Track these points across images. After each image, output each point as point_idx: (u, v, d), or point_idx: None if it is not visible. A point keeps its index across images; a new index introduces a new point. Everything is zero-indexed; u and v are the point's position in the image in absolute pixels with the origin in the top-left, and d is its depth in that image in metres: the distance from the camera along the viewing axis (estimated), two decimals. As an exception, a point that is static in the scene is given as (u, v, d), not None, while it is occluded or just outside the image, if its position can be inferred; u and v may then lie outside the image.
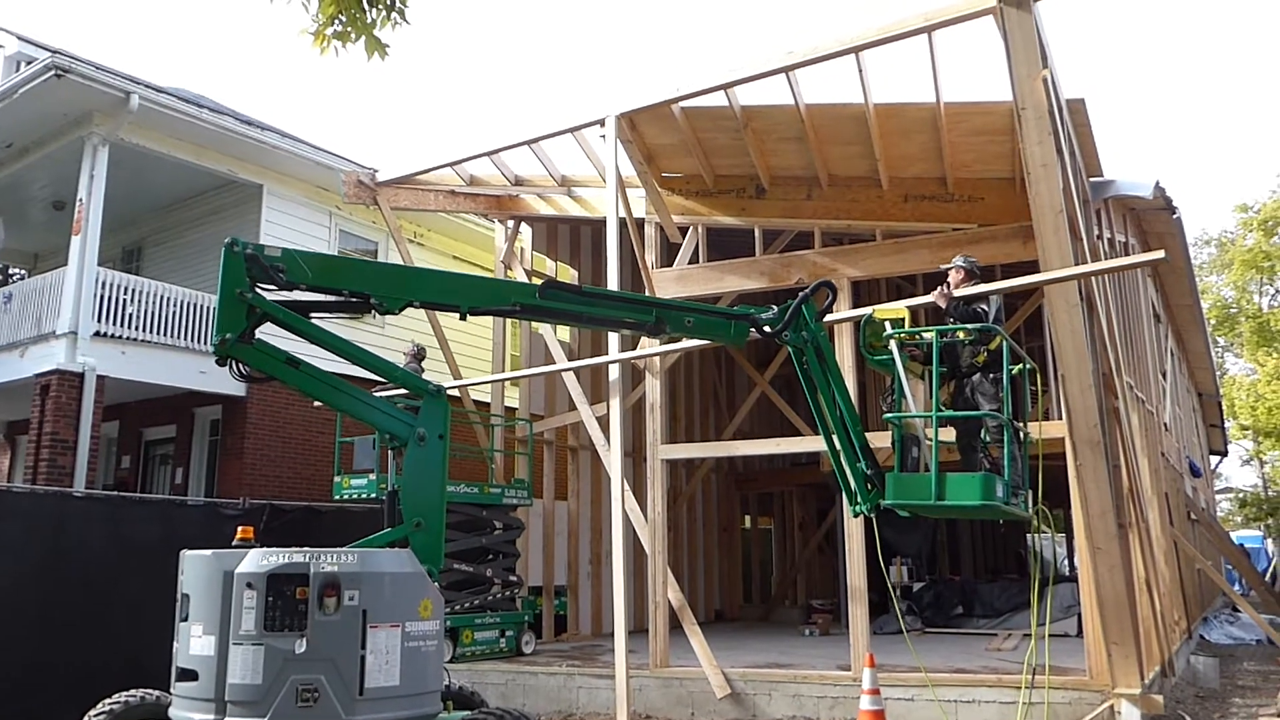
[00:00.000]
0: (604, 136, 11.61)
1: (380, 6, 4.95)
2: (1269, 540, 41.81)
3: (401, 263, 14.96)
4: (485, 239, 17.87)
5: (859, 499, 6.79)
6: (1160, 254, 8.37)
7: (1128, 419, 11.05)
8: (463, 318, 6.09)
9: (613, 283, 11.47)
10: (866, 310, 7.19)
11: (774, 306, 6.65)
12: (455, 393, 15.04)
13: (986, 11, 8.09)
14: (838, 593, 16.37)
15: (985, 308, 7.40)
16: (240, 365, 5.54)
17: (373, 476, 12.34)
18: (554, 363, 14.39)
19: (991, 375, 7.01)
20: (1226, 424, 35.55)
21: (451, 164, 13.37)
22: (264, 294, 5.51)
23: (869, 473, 6.71)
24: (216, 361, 5.54)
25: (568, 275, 17.18)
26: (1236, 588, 26.99)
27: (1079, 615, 11.21)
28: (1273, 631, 15.67)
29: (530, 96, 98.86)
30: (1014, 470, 6.78)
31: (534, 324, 15.56)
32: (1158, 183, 11.93)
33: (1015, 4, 7.71)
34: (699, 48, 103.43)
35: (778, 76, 10.08)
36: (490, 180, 14.33)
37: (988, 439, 6.97)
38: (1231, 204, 52.25)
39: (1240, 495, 47.32)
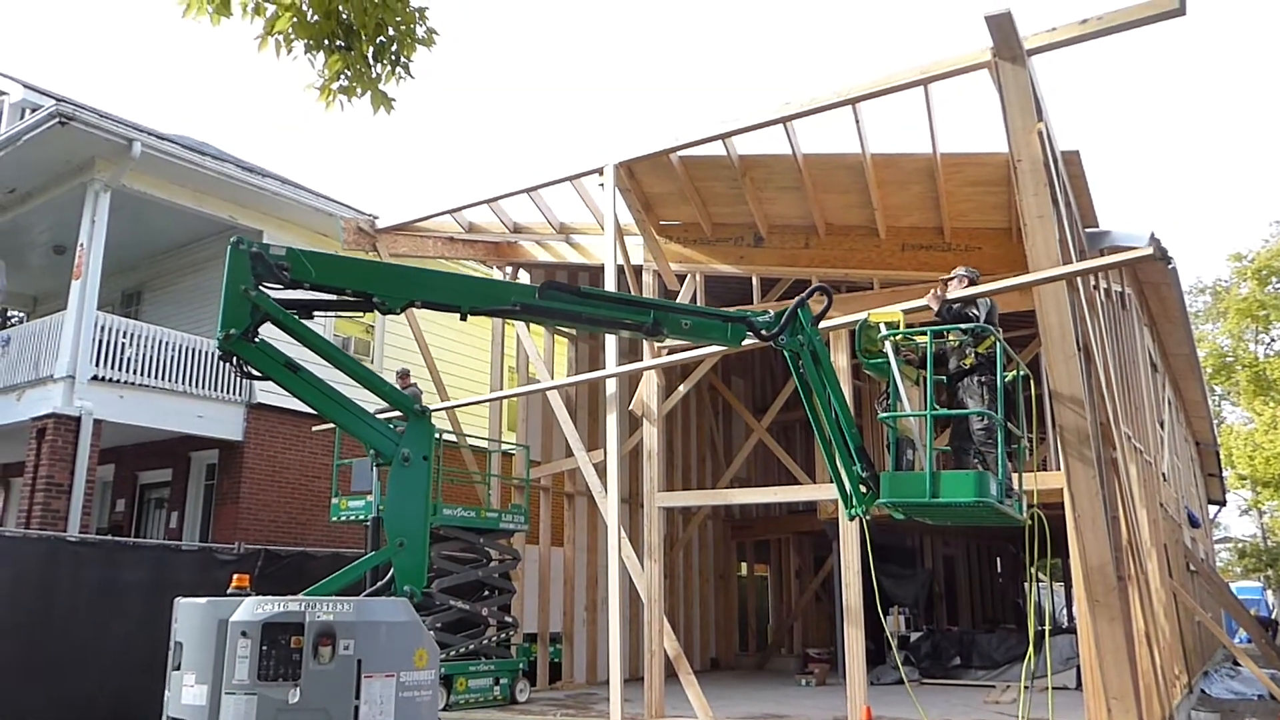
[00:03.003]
0: (603, 185, 11.72)
1: (385, 62, 5.02)
2: (1269, 592, 41.55)
3: (400, 308, 15.01)
4: (484, 284, 17.93)
5: (854, 501, 6.81)
6: (1147, 249, 8.36)
7: (1126, 470, 11.02)
8: (463, 318, 6.08)
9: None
10: (862, 315, 7.24)
11: (770, 311, 6.69)
12: (448, 423, 15.01)
13: (981, 65, 8.21)
14: (834, 642, 16.24)
15: (975, 311, 7.47)
16: (243, 363, 5.57)
17: (370, 498, 12.30)
18: (552, 409, 14.35)
19: (980, 378, 7.07)
20: (1224, 473, 35.47)
21: (451, 211, 13.48)
22: (267, 293, 5.55)
23: (864, 475, 6.74)
24: (221, 357, 5.57)
25: (566, 321, 17.19)
26: (1237, 640, 26.77)
27: (1078, 668, 11.12)
28: (1274, 687, 15.50)
29: (530, 145, 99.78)
30: (1006, 471, 6.84)
31: (531, 368, 15.57)
32: (1153, 234, 12.01)
33: (1010, 58, 7.83)
34: (697, 98, 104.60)
35: (775, 127, 10.20)
36: (489, 227, 14.43)
37: (978, 442, 7.01)
38: (1225, 252, 52.67)
39: (1239, 545, 47.10)
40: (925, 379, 6.89)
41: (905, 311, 7.36)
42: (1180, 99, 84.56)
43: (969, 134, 13.55)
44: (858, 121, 9.90)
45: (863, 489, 6.76)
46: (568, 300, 6.20)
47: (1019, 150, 8.06)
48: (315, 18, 5.02)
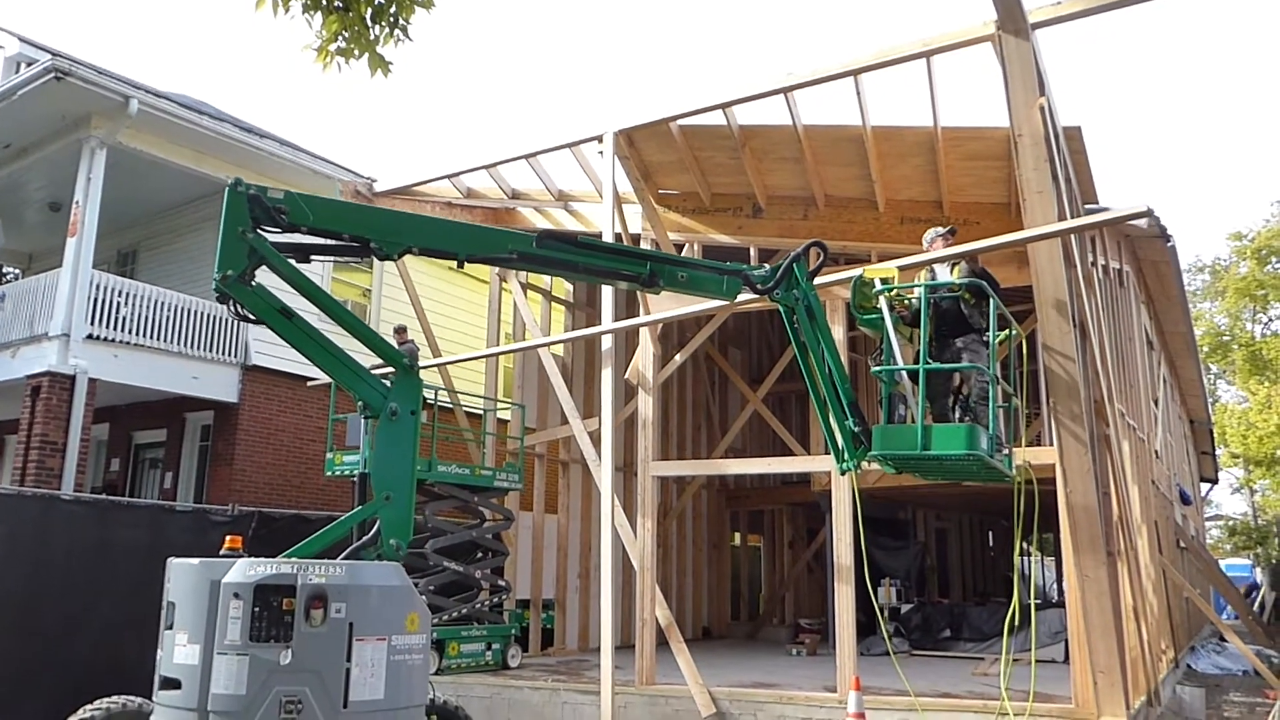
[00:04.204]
0: (602, 153, 11.65)
1: (384, 24, 4.97)
2: (1257, 569, 41.85)
3: (398, 272, 15.01)
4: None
5: (847, 455, 6.86)
6: (1143, 207, 8.30)
7: (1119, 446, 11.07)
8: (460, 265, 6.08)
9: (606, 297, 11.53)
10: (857, 271, 7.28)
11: (766, 265, 6.69)
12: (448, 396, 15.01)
13: (985, 38, 8.14)
14: (826, 612, 16.36)
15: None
16: (238, 305, 5.58)
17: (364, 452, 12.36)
18: (548, 377, 14.35)
19: (984, 338, 7.17)
20: (1217, 451, 35.64)
21: (449, 176, 13.42)
22: (265, 236, 5.56)
23: (856, 430, 6.79)
24: (217, 299, 5.58)
25: (562, 290, 17.22)
26: (1224, 616, 27.00)
27: (1066, 641, 11.22)
28: (1259, 662, 15.68)
29: (529, 111, 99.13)
30: (998, 427, 6.95)
31: (527, 335, 15.57)
32: (1151, 211, 11.98)
33: (1014, 32, 7.76)
34: (698, 67, 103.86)
35: (776, 97, 10.14)
36: (487, 193, 14.37)
37: (973, 397, 7.09)
38: (1225, 230, 52.65)
39: (1230, 523, 47.39)
40: (918, 336, 6.95)
41: (900, 269, 7.38)
42: (1182, 76, 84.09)
43: (970, 108, 13.49)
44: (859, 93, 9.84)
45: (855, 443, 6.82)
46: (565, 250, 6.19)
47: (1020, 125, 8.01)
48: (314, -23, 4.97)
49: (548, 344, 13.96)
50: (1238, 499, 48.08)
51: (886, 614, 16.30)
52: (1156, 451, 16.92)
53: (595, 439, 12.25)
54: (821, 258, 6.81)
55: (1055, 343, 8.48)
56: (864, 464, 7.04)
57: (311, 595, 5.00)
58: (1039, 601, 21.69)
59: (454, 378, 15.44)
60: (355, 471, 12.50)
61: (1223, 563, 36.35)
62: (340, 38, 5.04)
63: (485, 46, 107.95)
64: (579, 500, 16.66)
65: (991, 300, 7.15)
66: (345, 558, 5.53)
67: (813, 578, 21.42)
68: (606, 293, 11.67)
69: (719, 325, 14.34)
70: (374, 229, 5.79)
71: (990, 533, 27.62)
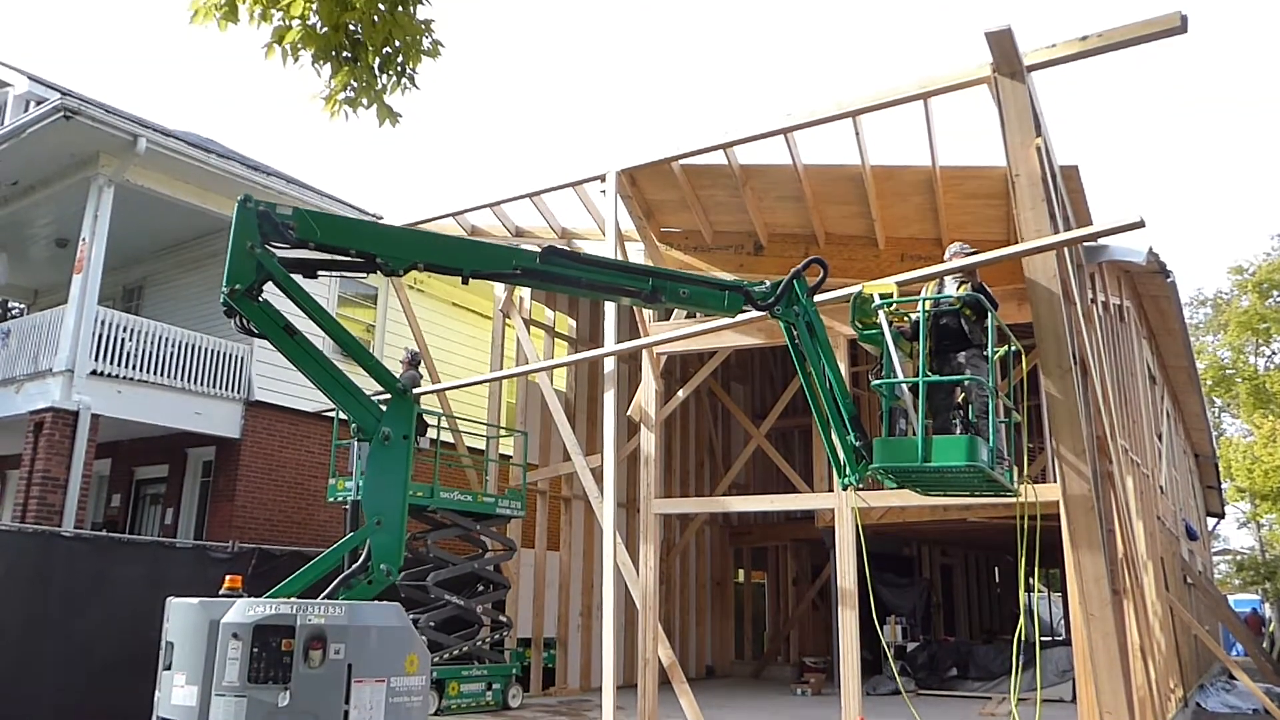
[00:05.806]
0: (604, 191, 11.75)
1: (391, 73, 5.02)
2: (1266, 605, 41.49)
3: (402, 309, 15.07)
4: (485, 287, 17.93)
5: (848, 470, 6.88)
6: (1136, 216, 8.25)
7: (1122, 482, 11.02)
8: (465, 281, 6.13)
9: (609, 325, 11.58)
10: (856, 287, 7.32)
11: (766, 281, 6.74)
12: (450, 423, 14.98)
13: (981, 81, 8.23)
14: (831, 651, 16.23)
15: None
16: (243, 320, 5.61)
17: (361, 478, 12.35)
18: (550, 415, 14.35)
19: (986, 353, 7.25)
20: (1223, 486, 35.41)
21: (454, 214, 13.52)
22: (272, 252, 5.60)
23: (858, 444, 6.81)
24: (225, 312, 5.61)
25: (566, 326, 17.27)
26: (1233, 654, 26.75)
27: (1074, 680, 11.12)
28: (1268, 701, 15.50)
29: (533, 150, 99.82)
30: (998, 440, 6.99)
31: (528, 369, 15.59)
32: (1151, 248, 12.02)
33: (1010, 74, 7.84)
34: (700, 107, 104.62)
35: (776, 137, 10.22)
36: (492, 231, 14.46)
37: (974, 411, 7.12)
38: (1225, 264, 52.64)
39: (1238, 558, 47.02)
40: (917, 351, 6.99)
41: (899, 284, 7.42)
42: (1181, 110, 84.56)
43: (969, 147, 13.57)
44: (858, 134, 9.92)
45: (857, 458, 6.83)
46: (568, 265, 6.25)
47: (1017, 165, 8.08)
48: (324, 29, 5.03)
49: (549, 368, 13.99)
50: (1245, 533, 47.74)
51: (892, 652, 16.19)
52: (1161, 487, 16.84)
53: (597, 475, 12.24)
54: (821, 274, 6.87)
55: (1055, 379, 8.48)
56: (867, 491, 7.06)
57: (310, 636, 4.98)
58: (1046, 639, 21.52)
59: (458, 416, 15.44)
60: (350, 498, 12.51)
61: (1231, 598, 36.07)
62: (349, 88, 5.10)
63: (491, 87, 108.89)
64: (581, 537, 16.60)
65: (990, 315, 7.20)
66: (335, 585, 5.52)
67: (817, 615, 21.25)
68: (609, 320, 11.71)
69: (721, 361, 14.35)
70: (380, 244, 5.85)
71: (996, 569, 27.44)
